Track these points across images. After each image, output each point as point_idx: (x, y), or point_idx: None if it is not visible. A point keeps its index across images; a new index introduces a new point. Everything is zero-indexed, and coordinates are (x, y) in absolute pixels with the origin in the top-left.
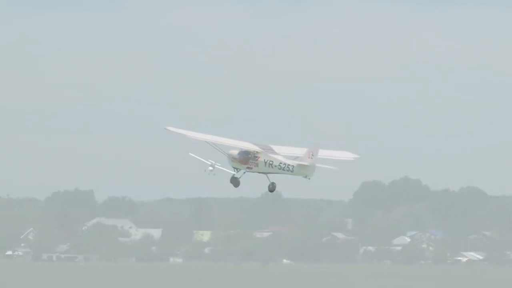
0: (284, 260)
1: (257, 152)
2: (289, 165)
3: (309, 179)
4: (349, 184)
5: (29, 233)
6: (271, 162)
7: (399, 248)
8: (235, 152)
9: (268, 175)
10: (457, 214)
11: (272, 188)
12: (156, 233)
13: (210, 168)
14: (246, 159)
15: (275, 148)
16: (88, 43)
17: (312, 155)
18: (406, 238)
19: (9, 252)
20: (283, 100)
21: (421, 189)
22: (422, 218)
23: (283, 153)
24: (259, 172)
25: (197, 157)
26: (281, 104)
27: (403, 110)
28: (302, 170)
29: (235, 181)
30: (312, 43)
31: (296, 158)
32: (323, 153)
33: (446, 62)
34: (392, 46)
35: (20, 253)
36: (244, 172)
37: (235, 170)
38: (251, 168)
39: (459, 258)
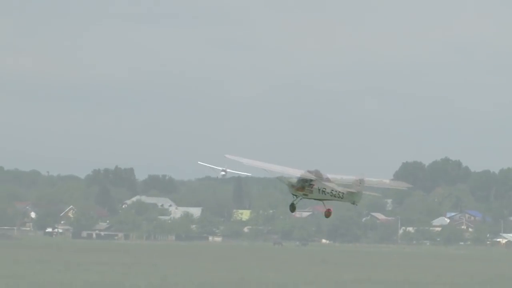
0: (323, 240)
1: (312, 180)
2: (339, 192)
3: (356, 205)
4: (389, 165)
5: (69, 211)
6: (324, 189)
7: (438, 229)
8: (294, 181)
9: (324, 201)
10: (496, 195)
11: (327, 214)
12: (195, 211)
13: (223, 173)
14: (303, 186)
15: (330, 176)
16: (132, 21)
17: (360, 183)
18: (446, 219)
19: (49, 229)
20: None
21: (461, 170)
22: (461, 199)
23: (337, 180)
24: (314, 199)
25: (206, 164)
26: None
27: (443, 91)
28: (351, 197)
29: (292, 207)
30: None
31: (346, 185)
32: (375, 182)
33: (485, 43)
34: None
35: (60, 231)
36: (301, 199)
37: (294, 197)
38: (307, 195)
39: (498, 239)
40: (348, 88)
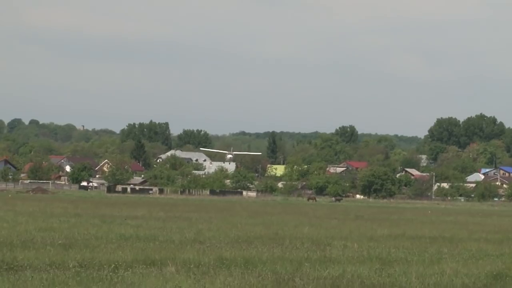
0: (358, 196)
1: None
2: None
3: None
4: (424, 121)
5: (104, 165)
6: None
7: (472, 185)
8: None
9: None
10: None
11: None
12: (230, 166)
13: (230, 156)
14: None
15: None
16: None
17: None
18: (480, 175)
19: (84, 183)
20: None
21: (496, 126)
22: (496, 155)
23: None
24: None
25: (209, 149)
26: None
27: (477, 48)
28: None
29: None
30: None
31: None
32: None
33: None
34: None
35: (95, 184)
36: None
37: None
38: None
39: None
40: (384, 43)
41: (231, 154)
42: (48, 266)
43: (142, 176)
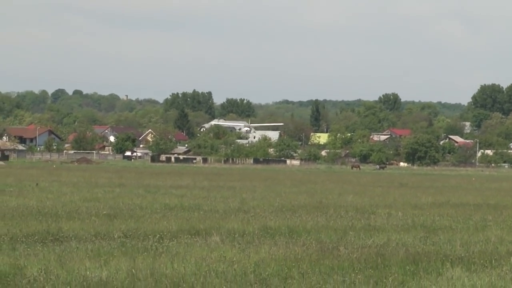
0: (401, 163)
1: None
2: None
3: None
4: (467, 88)
5: (148, 134)
6: None
7: None
8: None
9: None
10: None
11: None
12: (273, 135)
13: (247, 128)
14: None
15: None
16: None
17: None
18: None
19: (128, 153)
20: None
21: None
22: None
23: None
24: None
25: (226, 123)
26: None
27: None
28: None
29: None
30: None
31: None
32: None
33: None
34: None
35: (139, 154)
36: None
37: None
38: None
39: None
40: (428, 10)
41: (248, 127)
42: (93, 237)
43: (186, 145)
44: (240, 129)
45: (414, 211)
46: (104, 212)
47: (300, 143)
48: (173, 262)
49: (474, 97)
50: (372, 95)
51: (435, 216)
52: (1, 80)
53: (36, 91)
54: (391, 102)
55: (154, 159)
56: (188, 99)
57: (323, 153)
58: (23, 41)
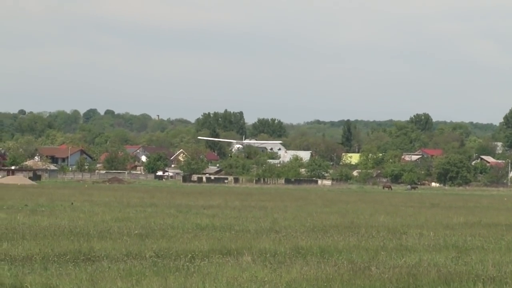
0: (433, 184)
1: None
2: None
3: None
4: (499, 108)
5: (180, 154)
6: None
7: None
8: None
9: None
10: None
11: None
12: (305, 155)
13: (239, 146)
14: None
15: None
16: None
17: None
18: None
19: (160, 173)
20: None
21: None
22: None
23: None
24: None
25: (222, 140)
26: None
27: None
28: None
29: None
30: None
31: None
32: None
33: None
34: None
35: (171, 174)
36: None
37: None
38: None
39: None
40: (459, 29)
41: (241, 144)
42: (125, 256)
43: (217, 165)
44: (232, 148)
45: (445, 231)
46: (136, 231)
47: (331, 163)
48: (205, 282)
49: (506, 117)
50: (403, 115)
51: (467, 236)
52: (33, 100)
53: (68, 111)
54: (422, 122)
55: (186, 179)
56: (220, 119)
57: (355, 173)
58: (55, 60)
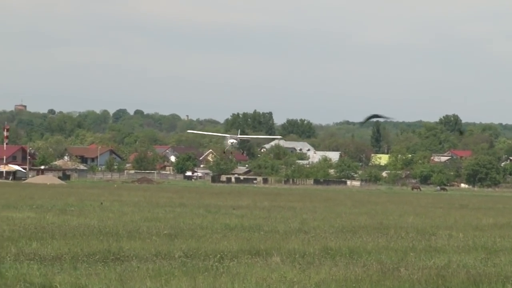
0: (462, 185)
1: None
2: None
3: None
4: None
5: (209, 155)
6: None
7: None
8: None
9: None
10: None
11: None
12: (334, 156)
13: (233, 141)
14: None
15: None
16: None
17: None
18: None
19: (189, 173)
20: None
21: None
22: None
23: None
24: None
25: (215, 134)
26: None
27: None
28: None
29: None
30: None
31: None
32: None
33: None
34: None
35: (200, 174)
36: None
37: None
38: None
39: None
40: (487, 30)
41: (234, 139)
42: (154, 256)
43: (246, 165)
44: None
45: (475, 233)
46: (165, 231)
47: (360, 164)
48: (234, 282)
49: None
50: (432, 116)
51: (496, 237)
52: (63, 100)
53: (98, 111)
54: (451, 123)
55: (215, 179)
56: (249, 119)
57: (384, 174)
58: (85, 60)
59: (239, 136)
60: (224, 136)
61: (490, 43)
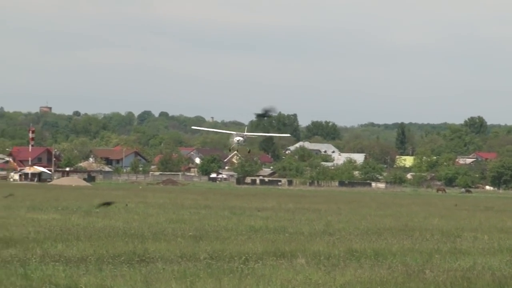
0: (487, 187)
1: None
2: None
3: None
4: None
5: (234, 156)
6: None
7: None
8: None
9: None
10: None
11: None
12: (358, 158)
13: (239, 138)
14: None
15: None
16: None
17: None
18: None
19: (214, 175)
20: None
21: None
22: None
23: None
24: None
25: (200, 128)
26: None
27: None
28: None
29: None
30: None
31: None
32: None
33: None
34: None
35: (224, 176)
36: None
37: None
38: None
39: None
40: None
41: (241, 136)
42: (179, 258)
43: (271, 167)
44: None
45: (500, 235)
46: (190, 233)
47: (385, 166)
48: (259, 284)
49: None
50: (457, 118)
51: None
52: (88, 102)
53: (123, 113)
54: (477, 125)
55: (239, 181)
56: (273, 121)
57: (409, 176)
58: (109, 62)
59: (245, 133)
60: (230, 133)
61: None
